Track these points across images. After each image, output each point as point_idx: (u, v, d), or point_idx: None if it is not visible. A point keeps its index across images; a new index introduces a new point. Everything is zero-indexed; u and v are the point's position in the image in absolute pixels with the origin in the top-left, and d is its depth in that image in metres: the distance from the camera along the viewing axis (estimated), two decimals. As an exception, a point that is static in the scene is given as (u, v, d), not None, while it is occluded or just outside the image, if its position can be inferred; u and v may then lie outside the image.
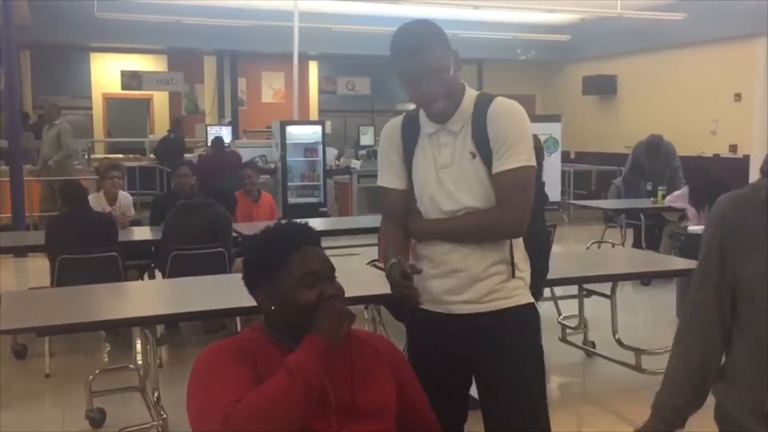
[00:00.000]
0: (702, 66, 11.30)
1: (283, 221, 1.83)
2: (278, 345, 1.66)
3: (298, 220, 1.83)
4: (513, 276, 2.05)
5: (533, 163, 2.00)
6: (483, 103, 2.02)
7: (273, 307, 1.68)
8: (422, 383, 1.91)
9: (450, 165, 2.02)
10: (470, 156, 2.00)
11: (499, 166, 1.98)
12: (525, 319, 2.08)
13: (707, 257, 1.52)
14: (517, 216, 2.00)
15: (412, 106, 2.18)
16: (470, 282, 2.03)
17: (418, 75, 1.94)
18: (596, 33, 12.90)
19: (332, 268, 1.72)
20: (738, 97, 10.80)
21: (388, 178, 2.15)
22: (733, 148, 10.85)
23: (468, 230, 2.02)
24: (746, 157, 10.35)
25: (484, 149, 1.99)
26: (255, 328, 1.72)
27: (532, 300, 2.12)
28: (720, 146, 10.99)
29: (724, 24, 10.57)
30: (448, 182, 2.02)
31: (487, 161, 1.99)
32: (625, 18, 11.07)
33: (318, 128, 11.08)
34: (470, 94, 2.06)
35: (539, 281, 2.19)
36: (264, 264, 1.70)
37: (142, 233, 5.86)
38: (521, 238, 2.09)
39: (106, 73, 14.89)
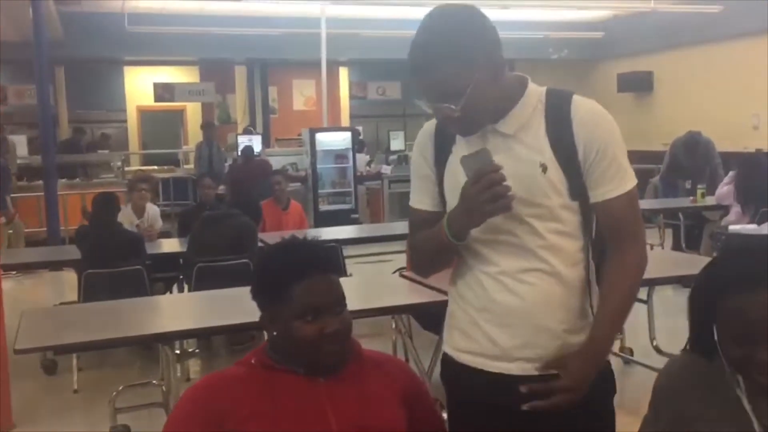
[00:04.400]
0: (741, 59, 10.97)
1: (300, 239, 1.64)
2: (281, 370, 1.57)
3: (311, 239, 1.65)
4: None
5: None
6: (560, 103, 1.63)
7: (275, 333, 1.59)
8: None
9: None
10: (539, 169, 1.57)
11: (610, 191, 1.60)
12: (605, 382, 1.71)
13: None
14: (645, 248, 1.67)
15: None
16: (545, 337, 1.61)
17: (427, 98, 1.56)
18: (630, 29, 12.63)
19: (339, 301, 1.58)
20: (780, 89, 10.47)
21: (417, 196, 1.76)
22: (777, 142, 10.52)
23: (633, 295, 1.67)
24: (790, 152, 10.03)
25: (567, 161, 1.59)
26: (258, 351, 1.62)
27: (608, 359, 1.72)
28: (762, 141, 10.62)
29: (762, 15, 10.25)
30: None
31: (570, 175, 1.60)
32: (659, 12, 10.82)
33: (348, 134, 11.02)
34: (534, 89, 1.64)
35: None
36: (268, 288, 1.59)
37: (170, 245, 5.84)
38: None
39: (140, 85, 15.06)
